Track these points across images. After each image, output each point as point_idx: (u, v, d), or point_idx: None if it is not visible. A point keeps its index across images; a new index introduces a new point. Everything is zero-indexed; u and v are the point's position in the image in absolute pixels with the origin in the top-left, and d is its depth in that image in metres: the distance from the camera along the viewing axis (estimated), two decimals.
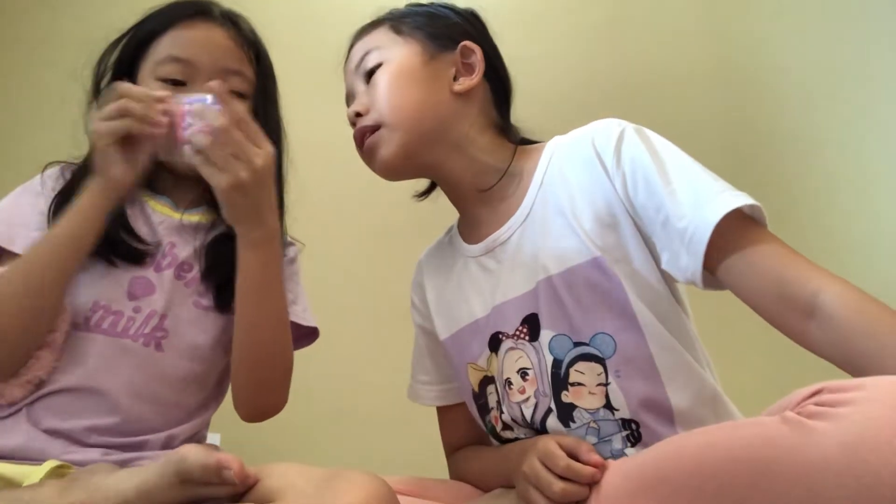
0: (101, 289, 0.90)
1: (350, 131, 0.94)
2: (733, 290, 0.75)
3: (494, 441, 0.91)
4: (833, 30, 1.65)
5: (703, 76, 1.64)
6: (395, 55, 0.91)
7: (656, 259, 0.81)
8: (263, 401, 0.93)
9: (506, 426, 0.86)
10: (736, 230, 0.73)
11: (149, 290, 0.92)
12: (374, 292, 1.67)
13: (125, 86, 0.86)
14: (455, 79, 0.92)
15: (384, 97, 0.89)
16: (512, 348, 0.85)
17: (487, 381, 0.88)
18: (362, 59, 0.93)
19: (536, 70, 1.63)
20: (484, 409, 0.90)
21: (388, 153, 0.89)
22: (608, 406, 0.78)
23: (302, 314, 1.00)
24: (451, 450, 1.00)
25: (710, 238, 0.72)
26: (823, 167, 1.64)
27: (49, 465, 0.78)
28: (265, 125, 0.94)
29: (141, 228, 0.95)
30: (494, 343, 0.87)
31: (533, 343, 0.83)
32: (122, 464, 0.83)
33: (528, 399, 0.83)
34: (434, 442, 1.03)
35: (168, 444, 0.91)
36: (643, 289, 0.80)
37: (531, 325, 0.83)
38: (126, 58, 0.97)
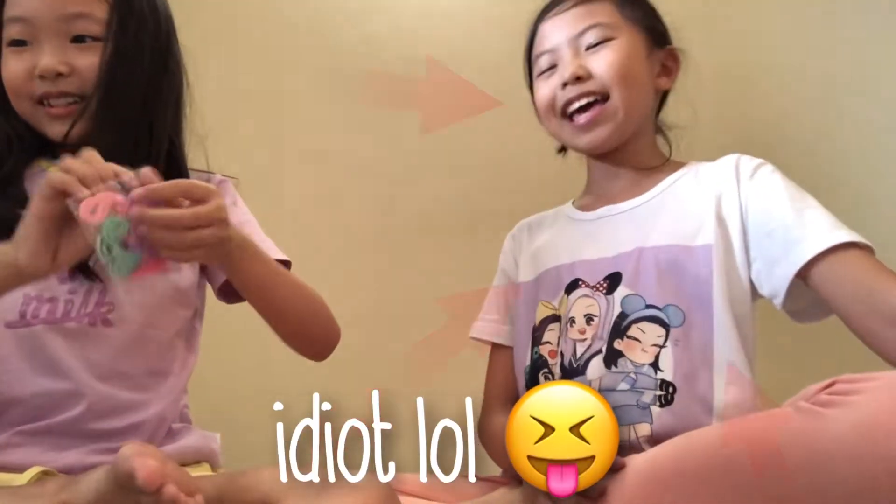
0: None
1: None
2: (823, 295, 0.80)
3: (526, 378, 0.97)
4: (833, 29, 1.65)
5: (703, 76, 1.63)
6: (624, 38, 0.95)
7: (748, 266, 0.87)
8: (329, 341, 0.95)
9: (562, 366, 0.91)
10: (841, 251, 0.79)
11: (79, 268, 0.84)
12: (376, 293, 1.64)
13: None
14: (658, 76, 1.00)
15: (615, 69, 0.93)
16: (585, 295, 0.92)
17: (552, 318, 0.95)
18: (584, 31, 0.96)
19: None
20: (538, 340, 0.97)
21: (608, 133, 0.95)
22: (654, 365, 0.83)
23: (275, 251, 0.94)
24: (490, 396, 1.05)
25: (817, 255, 0.79)
26: (823, 167, 1.63)
27: (33, 471, 0.75)
28: (133, 65, 0.86)
29: None
30: (571, 287, 0.94)
31: (608, 296, 0.90)
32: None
33: (584, 339, 0.89)
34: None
35: (157, 419, 0.87)
36: (733, 286, 0.85)
37: (611, 282, 0.90)
38: None
